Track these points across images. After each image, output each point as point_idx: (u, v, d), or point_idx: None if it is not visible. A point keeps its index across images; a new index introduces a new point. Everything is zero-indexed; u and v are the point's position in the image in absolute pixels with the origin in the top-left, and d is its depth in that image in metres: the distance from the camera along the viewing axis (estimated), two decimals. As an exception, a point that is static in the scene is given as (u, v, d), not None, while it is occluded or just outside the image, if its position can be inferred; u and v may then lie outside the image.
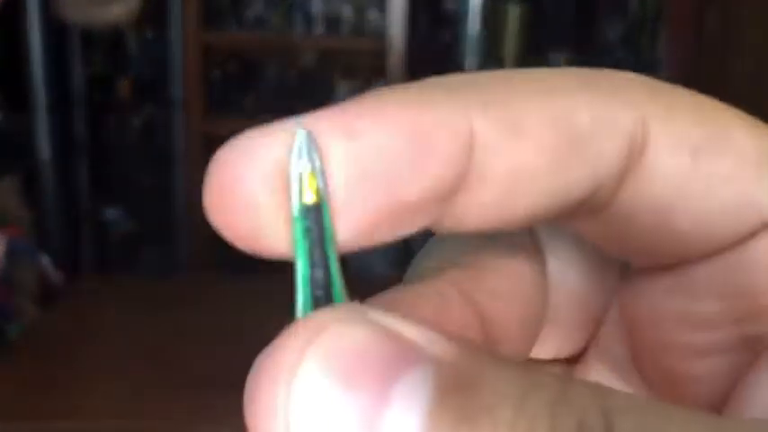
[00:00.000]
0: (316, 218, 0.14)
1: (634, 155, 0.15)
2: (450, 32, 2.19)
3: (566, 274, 0.19)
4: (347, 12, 2.14)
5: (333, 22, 2.14)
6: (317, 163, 0.13)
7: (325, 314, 0.13)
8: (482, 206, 0.15)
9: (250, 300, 1.45)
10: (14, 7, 1.93)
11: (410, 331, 0.13)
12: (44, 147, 2.05)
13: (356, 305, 0.13)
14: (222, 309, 1.45)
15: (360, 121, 0.14)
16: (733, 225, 0.16)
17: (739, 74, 1.78)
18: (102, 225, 2.18)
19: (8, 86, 1.97)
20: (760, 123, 0.16)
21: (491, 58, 2.16)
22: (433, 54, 2.18)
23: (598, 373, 0.19)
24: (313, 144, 0.13)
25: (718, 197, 0.16)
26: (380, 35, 2.07)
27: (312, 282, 0.14)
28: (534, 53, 2.17)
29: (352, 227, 0.14)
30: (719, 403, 0.17)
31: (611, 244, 0.17)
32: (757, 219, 0.16)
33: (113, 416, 1.08)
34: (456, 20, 2.17)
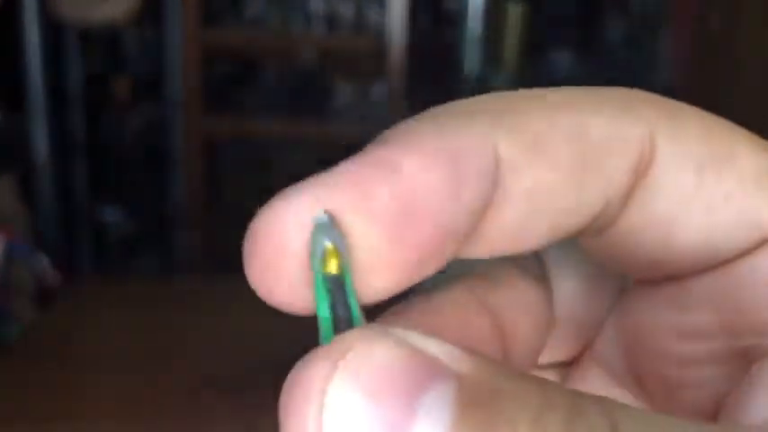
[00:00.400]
0: (337, 284, 0.14)
1: (641, 171, 0.16)
2: (450, 32, 2.18)
3: (564, 282, 0.20)
4: (347, 11, 2.13)
5: (332, 22, 2.13)
6: (339, 240, 0.14)
7: (352, 334, 0.13)
8: (505, 227, 0.15)
9: (249, 301, 1.44)
10: (11, 6, 1.92)
11: (433, 347, 0.13)
12: (41, 146, 2.04)
13: (380, 326, 0.14)
14: (221, 309, 1.44)
15: (400, 157, 0.14)
16: (733, 241, 0.16)
17: (741, 74, 1.78)
18: (101, 225, 2.17)
19: (5, 85, 1.96)
20: (761, 140, 0.16)
21: (491, 58, 2.15)
22: (433, 54, 2.17)
23: (594, 377, 0.20)
24: (333, 223, 0.14)
25: (721, 214, 0.16)
26: (380, 35, 2.07)
27: (335, 327, 0.15)
28: (535, 53, 2.16)
29: (401, 266, 0.15)
30: (713, 410, 0.17)
31: (613, 259, 0.18)
32: (757, 235, 0.16)
33: (112, 416, 1.07)
34: (456, 20, 2.17)
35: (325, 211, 0.14)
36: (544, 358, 0.20)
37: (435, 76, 2.18)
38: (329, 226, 0.14)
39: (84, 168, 2.13)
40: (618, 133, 0.16)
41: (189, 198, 2.10)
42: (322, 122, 2.15)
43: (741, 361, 0.17)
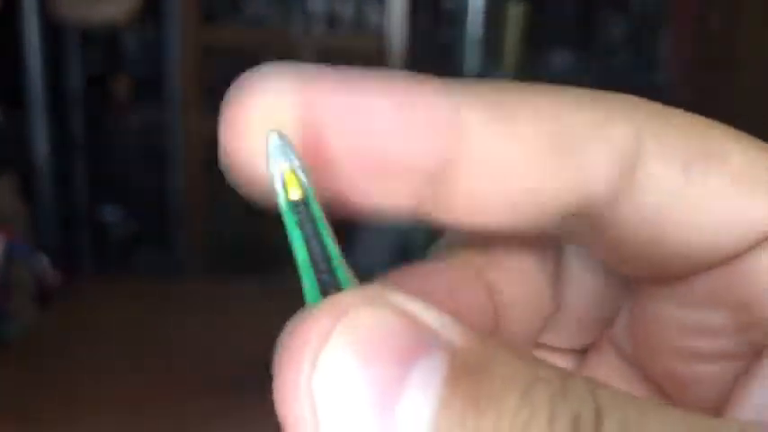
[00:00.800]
0: (305, 210, 0.14)
1: (627, 169, 0.16)
2: (450, 32, 2.18)
3: (584, 270, 0.20)
4: (347, 10, 2.13)
5: (332, 21, 2.13)
6: (296, 161, 0.14)
7: (351, 296, 0.14)
8: (469, 194, 0.15)
9: (249, 300, 1.45)
10: (12, 6, 1.92)
11: (429, 316, 0.13)
12: (41, 146, 2.04)
13: (380, 289, 0.14)
14: (221, 309, 1.44)
15: (355, 84, 0.15)
16: (729, 239, 0.16)
17: (741, 74, 1.78)
18: (101, 225, 2.17)
19: (5, 85, 1.96)
20: (753, 139, 0.16)
21: (491, 58, 2.15)
22: (433, 54, 2.17)
23: (608, 366, 0.20)
24: (288, 143, 0.14)
25: (712, 212, 0.16)
26: (380, 35, 2.06)
27: (315, 267, 0.14)
28: (535, 53, 2.16)
29: (344, 182, 0.15)
30: (723, 404, 0.17)
31: (610, 258, 0.18)
32: (752, 232, 0.16)
33: (112, 417, 1.07)
34: (456, 20, 2.17)
35: (279, 134, 0.14)
36: (562, 342, 0.20)
37: (435, 76, 2.18)
38: (286, 147, 0.14)
39: (84, 168, 2.13)
40: (599, 128, 0.16)
41: (189, 198, 2.10)
42: (322, 122, 2.15)
43: (751, 357, 0.17)
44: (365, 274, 0.15)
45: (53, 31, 2.01)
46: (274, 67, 0.15)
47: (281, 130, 0.14)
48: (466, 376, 0.13)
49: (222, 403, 1.05)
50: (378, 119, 0.15)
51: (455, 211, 0.16)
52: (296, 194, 0.14)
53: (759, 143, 0.16)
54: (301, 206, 0.14)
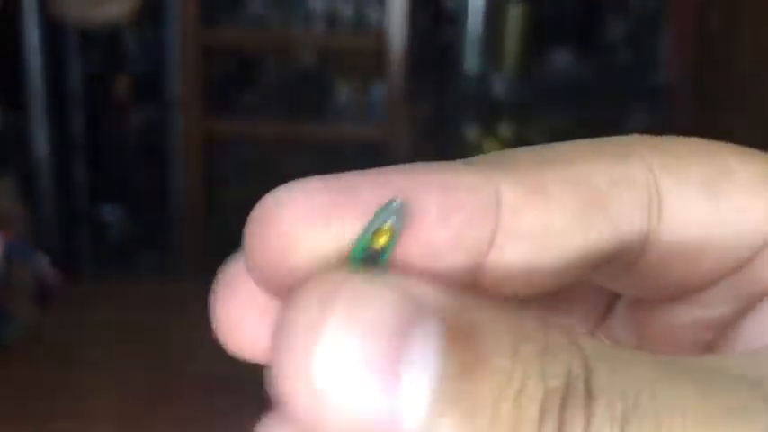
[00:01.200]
0: (371, 259, 0.15)
1: (654, 207, 0.17)
2: (450, 32, 2.18)
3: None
4: (347, 10, 2.13)
5: (332, 21, 2.13)
6: (399, 226, 0.15)
7: (340, 275, 0.14)
8: (511, 265, 0.16)
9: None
10: (12, 6, 1.92)
11: (419, 289, 0.14)
12: (41, 146, 2.04)
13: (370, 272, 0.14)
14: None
15: (393, 176, 0.15)
16: (746, 247, 0.17)
17: (741, 73, 1.78)
18: (101, 225, 2.17)
19: (5, 85, 1.96)
20: (749, 150, 0.18)
21: (491, 58, 2.15)
22: (433, 54, 2.17)
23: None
24: (403, 212, 0.15)
25: (732, 227, 0.17)
26: (380, 34, 2.06)
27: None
28: (535, 53, 2.16)
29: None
30: None
31: (643, 291, 0.19)
32: (761, 238, 0.17)
33: (112, 418, 1.07)
34: (456, 20, 2.16)
35: (402, 200, 0.15)
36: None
37: (435, 76, 2.18)
38: (398, 211, 0.15)
39: (83, 168, 2.13)
40: (620, 177, 0.17)
41: (189, 198, 2.10)
42: (322, 122, 2.15)
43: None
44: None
45: (53, 31, 2.01)
46: (296, 190, 0.15)
47: (404, 201, 0.15)
48: (458, 342, 0.13)
49: (223, 403, 1.05)
50: (424, 210, 0.15)
51: (500, 282, 0.16)
52: (377, 244, 0.15)
53: (751, 151, 0.18)
54: (373, 254, 0.15)
